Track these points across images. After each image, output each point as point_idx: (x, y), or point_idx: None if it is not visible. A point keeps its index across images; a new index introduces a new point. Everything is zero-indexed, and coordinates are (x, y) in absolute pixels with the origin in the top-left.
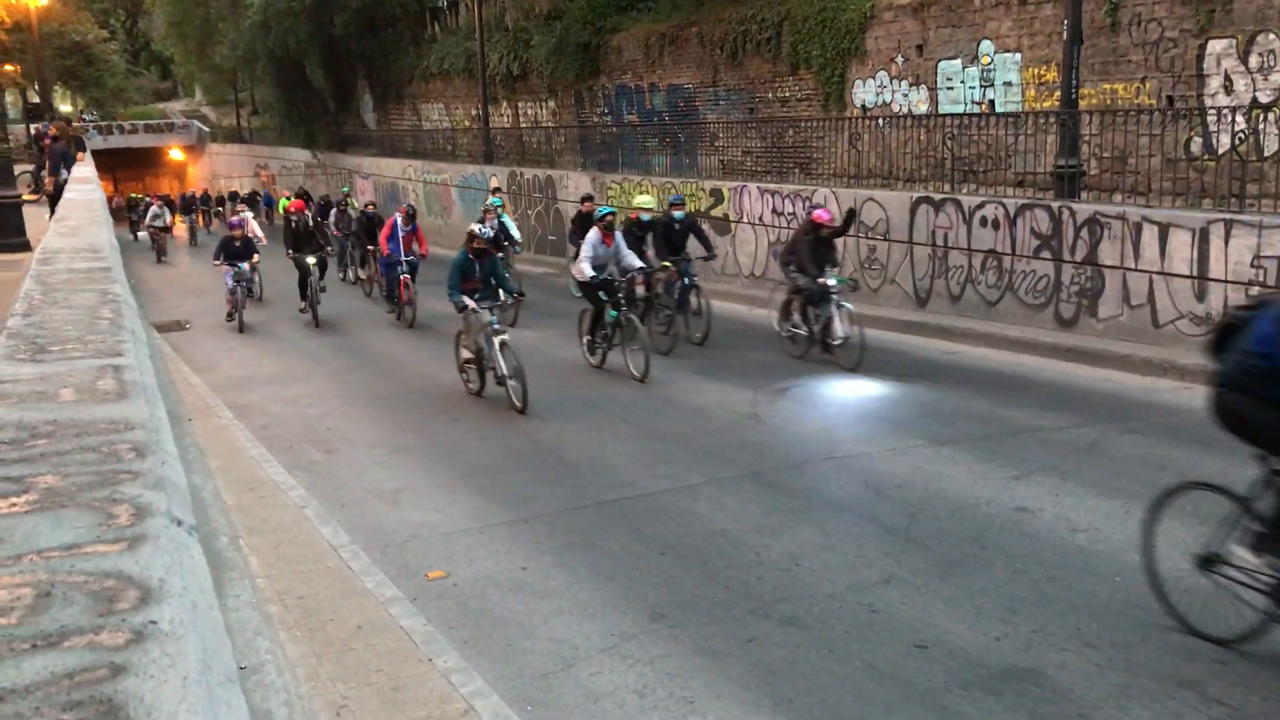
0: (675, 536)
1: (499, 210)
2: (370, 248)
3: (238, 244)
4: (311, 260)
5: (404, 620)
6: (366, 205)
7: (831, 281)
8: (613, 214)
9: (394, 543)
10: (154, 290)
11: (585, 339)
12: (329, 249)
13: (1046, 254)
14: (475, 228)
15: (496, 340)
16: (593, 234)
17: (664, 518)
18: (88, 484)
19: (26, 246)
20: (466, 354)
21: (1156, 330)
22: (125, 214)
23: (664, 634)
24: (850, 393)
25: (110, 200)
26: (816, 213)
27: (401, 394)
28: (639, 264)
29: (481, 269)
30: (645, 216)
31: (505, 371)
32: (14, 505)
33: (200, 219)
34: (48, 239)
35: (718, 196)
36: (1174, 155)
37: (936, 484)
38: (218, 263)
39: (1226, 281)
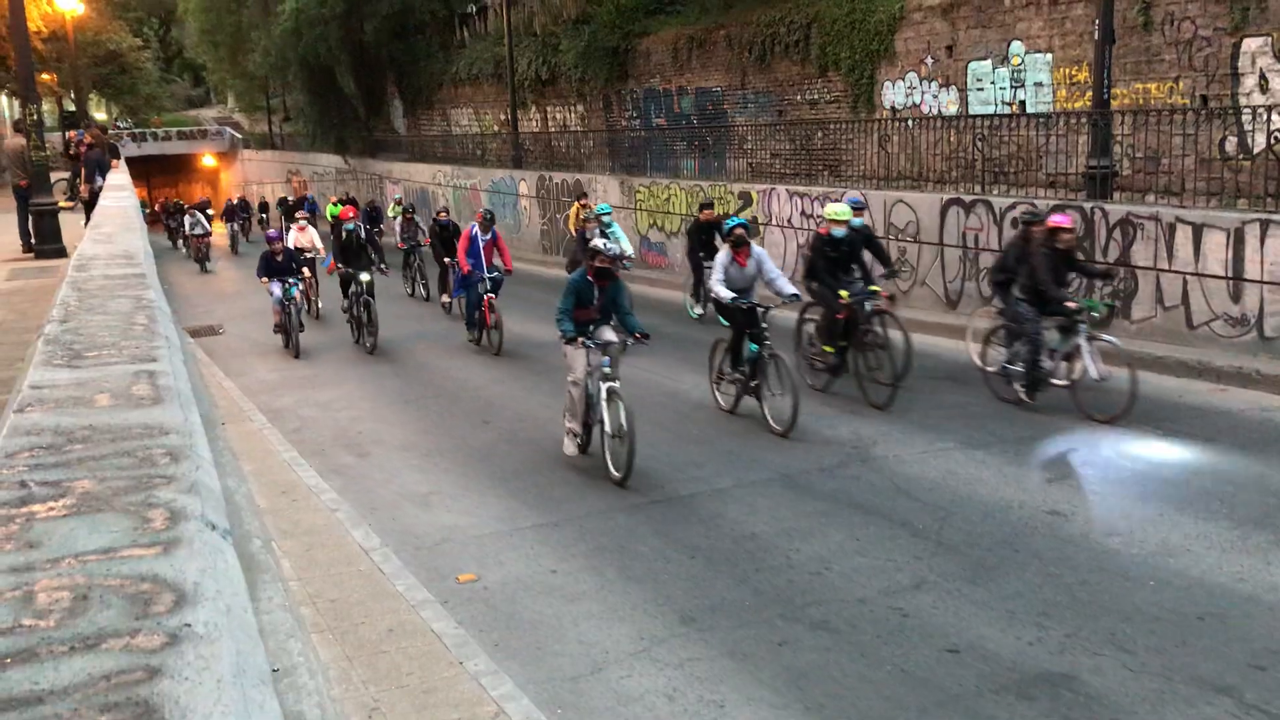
0: (704, 539)
1: (607, 219)
2: (448, 260)
3: (278, 259)
4: (365, 278)
5: (435, 623)
6: (439, 213)
7: (1084, 305)
8: (744, 226)
9: (425, 546)
10: (187, 295)
11: (715, 375)
12: (383, 264)
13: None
14: (600, 243)
15: (605, 387)
16: (722, 254)
17: (695, 521)
18: (124, 488)
19: (62, 253)
20: (573, 408)
21: (1191, 331)
22: (163, 220)
23: (694, 637)
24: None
25: (159, 208)
26: (1054, 218)
27: (431, 397)
28: (791, 289)
29: (602, 295)
30: (839, 231)
31: (610, 429)
32: (52, 509)
33: (242, 226)
34: (83, 245)
35: (746, 199)
36: (1208, 155)
37: (968, 487)
38: (263, 280)
39: (1262, 282)
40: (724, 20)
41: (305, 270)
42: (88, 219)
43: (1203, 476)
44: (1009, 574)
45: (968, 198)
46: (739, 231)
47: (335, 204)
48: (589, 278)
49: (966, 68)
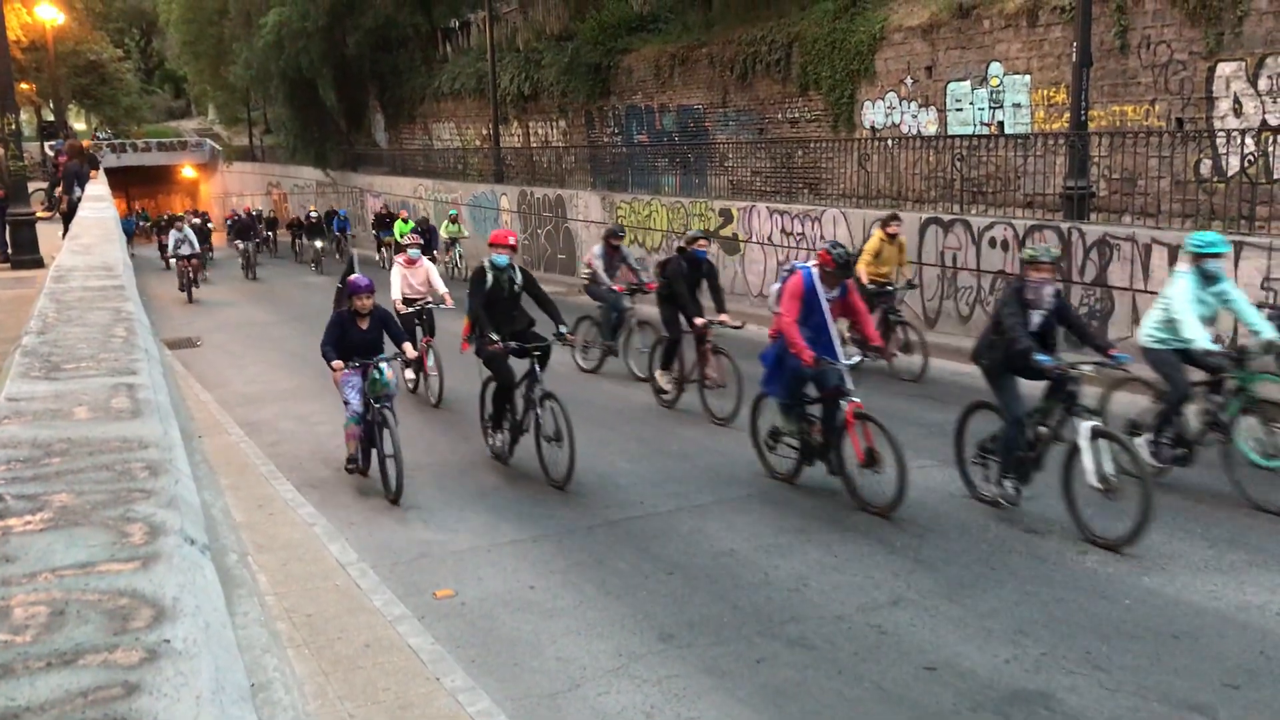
0: (683, 556)
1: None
2: (702, 322)
3: (363, 327)
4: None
5: (412, 639)
6: (695, 240)
7: None
8: None
9: (402, 561)
10: (165, 307)
11: None
12: (564, 328)
13: (1056, 275)
14: None
15: None
16: None
17: (674, 537)
18: (102, 502)
19: (40, 263)
20: None
21: None
22: (155, 234)
23: (672, 654)
24: None
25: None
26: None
27: (409, 412)
28: None
29: None
30: None
31: None
32: (29, 523)
33: (257, 246)
34: (61, 257)
35: (727, 216)
36: (1183, 177)
37: (945, 505)
38: (338, 367)
39: None
40: (706, 38)
41: (408, 347)
42: (66, 230)
43: (1175, 494)
44: (986, 592)
45: (946, 217)
46: None
47: (405, 221)
48: None
49: (946, 88)
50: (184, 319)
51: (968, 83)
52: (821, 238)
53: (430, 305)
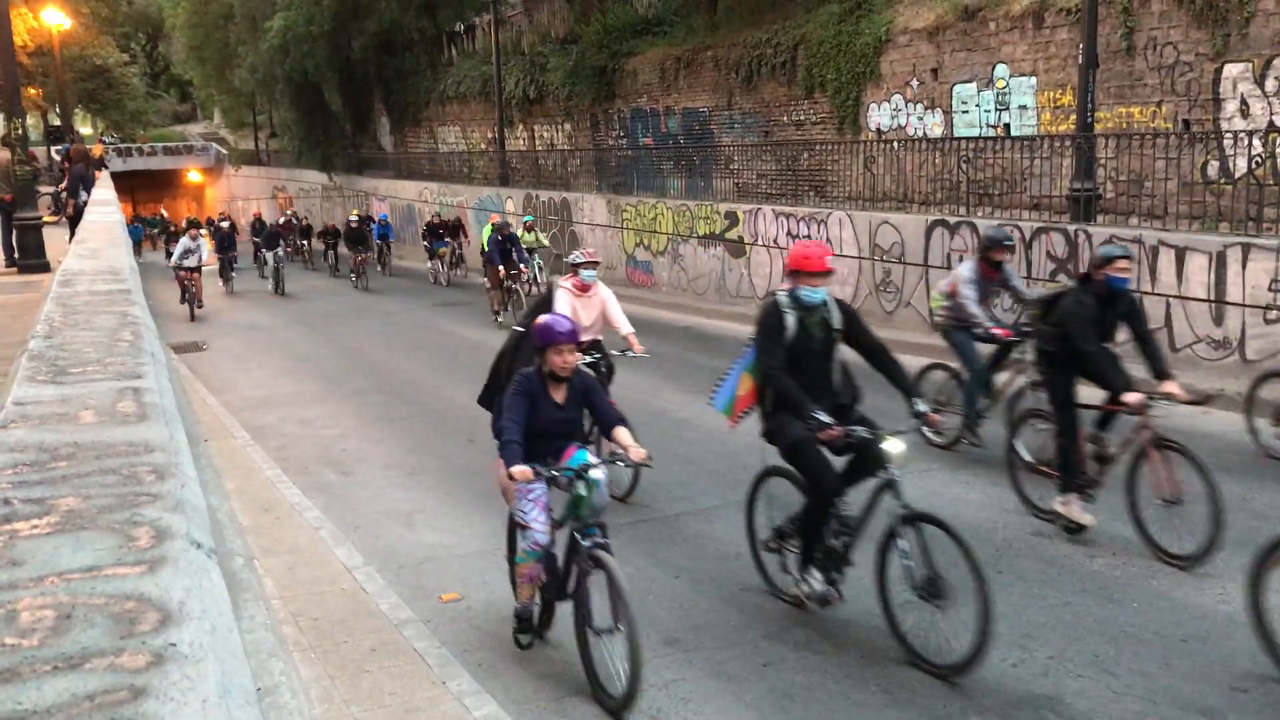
0: (689, 559)
1: None
2: (1138, 399)
3: (560, 401)
4: (895, 451)
5: (418, 643)
6: (1112, 263)
7: None
8: None
9: (409, 564)
10: (171, 311)
11: None
12: (922, 404)
13: (1063, 277)
14: None
15: None
16: None
17: (680, 541)
18: (108, 506)
19: (46, 267)
20: None
21: (1173, 354)
22: (164, 241)
23: (678, 658)
24: None
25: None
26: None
27: (416, 415)
28: None
29: None
30: None
31: None
32: (36, 527)
33: (289, 255)
34: (68, 261)
35: (732, 219)
36: (1190, 179)
37: (952, 508)
38: (521, 475)
39: (1244, 305)
40: (711, 41)
41: (629, 444)
42: (72, 234)
43: (1185, 498)
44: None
45: (952, 219)
46: None
47: (493, 225)
48: None
49: (951, 90)
50: (190, 323)
51: (973, 85)
52: (826, 240)
53: (614, 354)
